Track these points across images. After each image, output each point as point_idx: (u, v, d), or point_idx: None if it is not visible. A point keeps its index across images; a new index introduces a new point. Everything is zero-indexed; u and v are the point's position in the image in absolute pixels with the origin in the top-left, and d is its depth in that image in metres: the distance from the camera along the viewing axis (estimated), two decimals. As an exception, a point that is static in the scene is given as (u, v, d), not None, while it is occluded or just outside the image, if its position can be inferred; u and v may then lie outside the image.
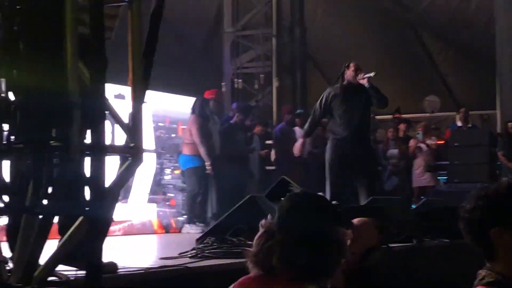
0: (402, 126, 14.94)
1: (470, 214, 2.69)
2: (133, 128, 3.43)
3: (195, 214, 11.13)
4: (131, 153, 3.38)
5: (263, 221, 3.14)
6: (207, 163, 10.95)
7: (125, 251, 7.25)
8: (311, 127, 10.20)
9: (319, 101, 9.86)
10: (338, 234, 3.04)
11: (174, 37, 17.97)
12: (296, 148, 10.25)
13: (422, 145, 14.32)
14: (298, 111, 14.57)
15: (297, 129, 13.48)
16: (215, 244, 5.73)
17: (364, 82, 9.48)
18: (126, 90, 9.85)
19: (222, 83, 15.92)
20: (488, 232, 2.63)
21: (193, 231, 10.38)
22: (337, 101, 9.65)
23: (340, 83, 9.77)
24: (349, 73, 9.68)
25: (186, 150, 11.26)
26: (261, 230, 3.10)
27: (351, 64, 9.76)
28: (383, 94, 9.73)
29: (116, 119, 3.48)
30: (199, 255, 5.48)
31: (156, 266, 4.76)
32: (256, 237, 3.13)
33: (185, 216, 11.37)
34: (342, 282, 4.02)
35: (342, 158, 9.61)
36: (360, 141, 9.61)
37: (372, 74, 9.52)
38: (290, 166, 12.91)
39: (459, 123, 15.22)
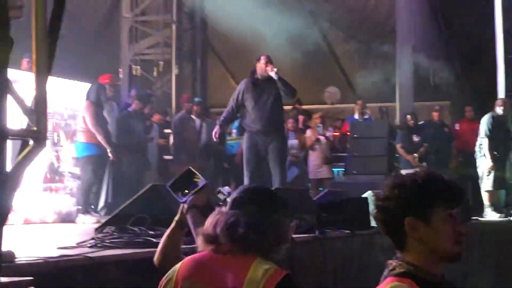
0: (301, 118, 14.90)
1: (384, 202, 2.66)
2: (37, 112, 3.33)
3: (90, 203, 10.77)
4: (34, 138, 3.29)
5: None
6: (108, 149, 10.60)
7: (22, 240, 6.90)
8: (226, 118, 10.22)
9: (233, 94, 9.93)
10: (284, 224, 3.20)
11: (68, 20, 17.44)
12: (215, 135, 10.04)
13: (321, 137, 14.29)
14: (197, 99, 14.35)
15: (195, 118, 13.26)
16: (115, 233, 5.59)
17: (273, 74, 9.59)
18: (20, 74, 9.45)
19: (119, 69, 15.50)
20: (401, 221, 2.61)
21: (88, 221, 10.09)
22: (248, 95, 9.73)
23: (251, 77, 9.83)
24: (259, 66, 9.78)
25: (81, 138, 10.87)
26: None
27: (262, 57, 9.89)
28: (291, 86, 9.87)
29: (18, 101, 3.35)
30: (98, 245, 5.30)
31: (55, 255, 4.52)
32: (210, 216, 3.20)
33: (80, 206, 10.95)
34: None
35: (257, 151, 9.77)
36: (272, 133, 9.75)
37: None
38: (189, 156, 12.71)
39: (356, 115, 15.29)
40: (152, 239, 5.25)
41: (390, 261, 2.68)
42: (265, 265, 3.00)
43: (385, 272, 2.65)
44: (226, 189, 4.02)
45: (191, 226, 3.74)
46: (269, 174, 9.95)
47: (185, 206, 3.80)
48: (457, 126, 14.98)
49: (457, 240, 2.63)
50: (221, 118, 10.25)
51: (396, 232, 2.65)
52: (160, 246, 3.78)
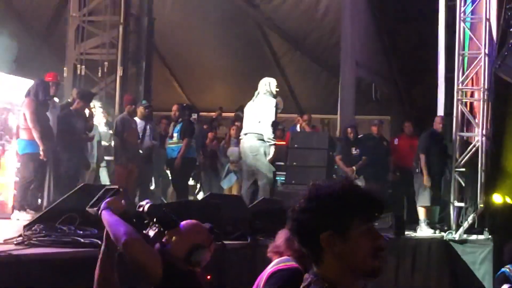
0: (239, 124, 14.92)
1: (300, 215, 2.52)
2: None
3: (27, 201, 10.66)
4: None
5: None
6: (41, 148, 10.52)
7: None
8: None
9: None
10: None
11: (16, 18, 17.34)
12: None
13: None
14: (144, 102, 14.33)
15: (138, 120, 13.22)
16: (43, 231, 5.50)
17: None
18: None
19: (64, 68, 15.42)
20: (318, 235, 2.48)
21: (22, 218, 9.97)
22: None
23: None
24: None
25: (23, 135, 10.77)
26: None
27: None
28: None
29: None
30: (25, 243, 5.26)
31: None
32: None
33: (16, 202, 10.86)
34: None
35: None
36: None
37: None
38: (129, 157, 12.67)
39: (298, 128, 15.40)
40: (79, 239, 5.20)
41: (306, 275, 2.55)
42: None
43: (301, 287, 2.53)
44: (146, 201, 4.04)
45: (106, 227, 3.73)
46: None
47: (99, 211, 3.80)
48: (396, 141, 15.19)
49: (376, 255, 2.51)
50: None
51: (312, 246, 2.51)
52: (95, 277, 3.72)
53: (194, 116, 14.50)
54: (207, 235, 4.22)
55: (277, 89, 11.57)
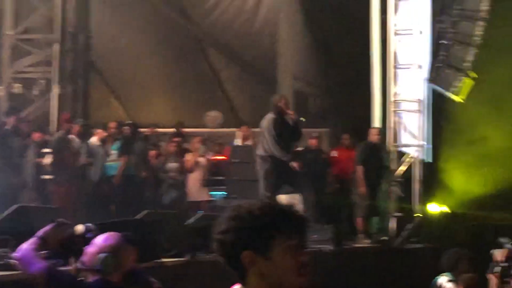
0: (178, 140, 14.90)
1: (223, 235, 2.53)
2: None
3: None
4: None
5: None
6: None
7: None
8: None
9: None
10: None
11: None
12: None
13: (202, 160, 14.36)
14: (80, 120, 14.23)
15: (75, 138, 13.12)
16: None
17: None
18: None
19: (-1, 87, 15.27)
20: (239, 255, 2.48)
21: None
22: None
23: None
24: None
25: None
26: None
27: None
28: None
29: None
30: None
31: None
32: None
33: None
34: None
35: None
36: None
37: None
38: (67, 176, 12.58)
39: (238, 141, 15.46)
40: (11, 261, 5.15)
41: None
42: None
43: None
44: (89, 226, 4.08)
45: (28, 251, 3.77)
46: None
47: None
48: (334, 153, 15.33)
49: (300, 272, 2.50)
50: None
51: (235, 265, 2.50)
52: None
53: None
54: (118, 243, 4.28)
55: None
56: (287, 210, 2.56)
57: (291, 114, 11.93)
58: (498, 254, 8.36)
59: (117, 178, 12.87)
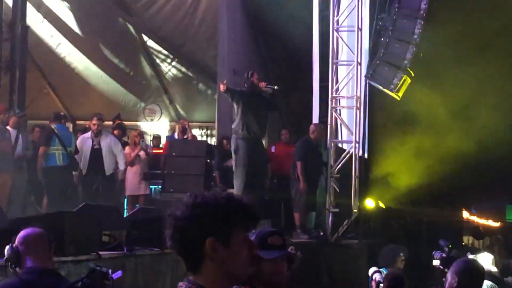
0: (116, 132, 14.78)
1: (184, 222, 2.57)
2: None
3: None
4: None
5: None
6: None
7: None
8: None
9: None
10: None
11: None
12: None
13: (141, 153, 14.27)
14: (18, 111, 13.97)
15: (11, 129, 12.88)
16: None
17: None
18: None
19: None
20: (200, 242, 2.55)
21: None
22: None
23: None
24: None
25: None
26: None
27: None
28: None
29: None
30: None
31: None
32: None
33: None
34: None
35: None
36: None
37: None
38: (2, 166, 12.36)
39: (176, 134, 15.39)
40: None
41: (180, 284, 2.60)
42: None
43: None
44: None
45: None
46: None
47: None
48: (273, 149, 15.35)
49: (252, 263, 2.64)
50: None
51: (193, 253, 2.58)
52: None
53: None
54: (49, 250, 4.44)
55: None
56: (246, 203, 2.66)
57: (263, 86, 11.77)
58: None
59: (39, 169, 12.70)
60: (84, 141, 13.35)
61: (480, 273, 5.00)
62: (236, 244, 2.59)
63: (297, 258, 4.18)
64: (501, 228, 21.79)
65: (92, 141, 13.22)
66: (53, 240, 4.72)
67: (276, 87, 11.68)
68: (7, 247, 4.59)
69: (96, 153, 13.16)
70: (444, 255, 10.04)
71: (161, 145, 16.64)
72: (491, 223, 23.25)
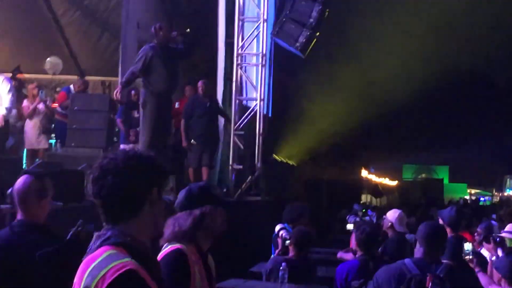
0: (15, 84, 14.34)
1: (120, 175, 2.65)
2: None
3: None
4: None
5: None
6: None
7: None
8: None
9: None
10: None
11: None
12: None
13: (41, 106, 13.94)
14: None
15: None
16: None
17: None
18: None
19: None
20: (143, 192, 2.68)
21: None
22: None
23: None
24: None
25: None
26: None
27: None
28: None
29: None
30: None
31: None
32: None
33: None
34: None
35: None
36: None
37: None
38: None
39: (72, 88, 15.03)
40: None
41: (100, 232, 2.67)
42: None
43: (97, 242, 2.64)
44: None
45: None
46: None
47: None
48: (177, 105, 15.26)
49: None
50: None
51: (128, 203, 2.66)
52: None
53: None
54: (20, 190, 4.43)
55: None
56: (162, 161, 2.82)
57: (175, 35, 11.46)
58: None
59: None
60: None
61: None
62: (159, 197, 2.74)
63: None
64: (398, 187, 22.42)
65: None
66: (47, 190, 4.56)
67: (187, 29, 11.40)
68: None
69: None
70: (357, 219, 10.31)
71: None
72: (389, 181, 23.88)
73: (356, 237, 6.83)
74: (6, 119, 11.56)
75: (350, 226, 9.69)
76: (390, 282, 5.07)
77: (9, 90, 11.62)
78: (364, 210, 13.43)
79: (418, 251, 5.21)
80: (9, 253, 4.31)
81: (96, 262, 2.55)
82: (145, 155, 2.74)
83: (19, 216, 4.48)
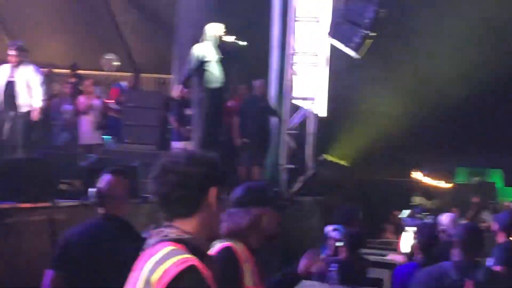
0: (72, 81, 14.58)
1: (190, 169, 2.71)
2: None
3: None
4: None
5: None
6: None
7: None
8: None
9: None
10: None
11: None
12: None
13: (96, 102, 14.10)
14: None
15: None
16: None
17: None
18: None
19: None
20: (205, 189, 2.72)
21: None
22: None
23: None
24: None
25: None
26: None
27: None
28: None
29: None
30: None
31: None
32: None
33: None
34: None
35: None
36: None
37: None
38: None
39: (124, 84, 15.18)
40: None
41: (158, 230, 2.70)
42: None
43: (155, 239, 2.68)
44: None
45: None
46: None
47: None
48: (230, 103, 15.29)
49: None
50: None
51: (194, 199, 2.72)
52: None
53: None
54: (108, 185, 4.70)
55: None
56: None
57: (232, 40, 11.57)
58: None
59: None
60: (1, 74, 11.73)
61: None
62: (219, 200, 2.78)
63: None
64: (451, 189, 22.13)
65: (9, 74, 12.11)
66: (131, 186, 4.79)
67: (245, 43, 11.49)
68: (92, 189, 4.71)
69: (10, 87, 11.51)
70: (417, 221, 10.21)
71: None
72: (441, 184, 23.58)
73: (417, 240, 6.76)
74: (43, 112, 11.49)
75: (409, 229, 9.58)
76: (429, 284, 5.04)
77: (42, 83, 11.45)
78: (424, 213, 13.31)
79: (457, 254, 5.14)
80: (98, 243, 4.52)
81: (158, 256, 2.57)
82: (206, 155, 2.79)
83: (103, 211, 4.59)
